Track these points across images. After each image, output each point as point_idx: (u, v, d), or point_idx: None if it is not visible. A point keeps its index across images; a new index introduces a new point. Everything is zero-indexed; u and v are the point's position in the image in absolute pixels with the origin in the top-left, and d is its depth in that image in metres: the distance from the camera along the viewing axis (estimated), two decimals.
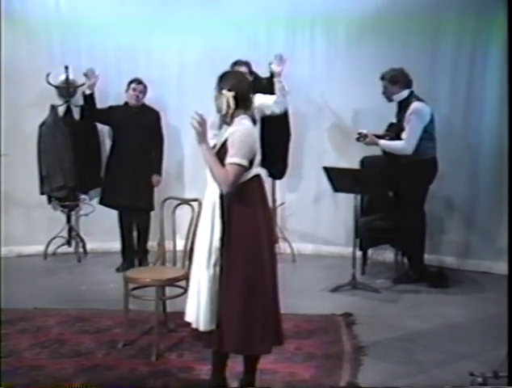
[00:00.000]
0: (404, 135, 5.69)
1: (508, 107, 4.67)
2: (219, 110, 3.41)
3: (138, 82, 6.31)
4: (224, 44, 6.67)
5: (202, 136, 3.32)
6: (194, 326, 3.43)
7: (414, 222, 5.84)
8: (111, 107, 6.44)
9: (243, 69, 5.91)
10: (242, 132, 3.29)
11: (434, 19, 6.32)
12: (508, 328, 3.48)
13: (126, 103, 6.38)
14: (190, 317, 3.47)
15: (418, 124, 5.64)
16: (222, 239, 3.30)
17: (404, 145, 5.68)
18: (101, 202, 6.50)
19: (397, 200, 5.88)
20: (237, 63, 6.09)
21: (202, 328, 3.36)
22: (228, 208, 3.31)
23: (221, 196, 3.32)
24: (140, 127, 6.29)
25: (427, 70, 6.30)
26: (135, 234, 6.56)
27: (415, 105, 5.67)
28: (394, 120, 5.93)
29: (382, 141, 5.79)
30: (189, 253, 3.57)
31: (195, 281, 3.42)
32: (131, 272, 4.68)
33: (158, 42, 6.93)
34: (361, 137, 5.81)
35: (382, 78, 5.82)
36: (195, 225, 4.05)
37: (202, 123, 3.31)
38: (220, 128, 3.49)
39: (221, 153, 3.32)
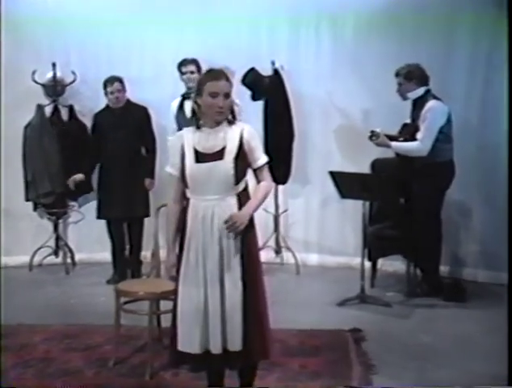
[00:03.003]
0: (418, 135, 5.55)
1: None
2: (224, 111, 3.34)
3: (112, 82, 6.13)
4: (224, 41, 6.60)
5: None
6: (215, 351, 3.30)
7: (429, 231, 5.68)
8: (96, 116, 6.32)
9: (192, 68, 5.92)
10: (254, 132, 3.43)
11: (448, 13, 6.18)
12: None
13: (108, 106, 6.25)
14: (214, 345, 3.30)
15: (434, 123, 5.49)
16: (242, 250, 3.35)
17: (418, 145, 5.54)
18: (98, 217, 6.36)
19: (410, 207, 5.72)
20: (183, 62, 6.03)
21: (237, 348, 3.30)
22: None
23: (239, 201, 3.35)
24: (127, 128, 6.17)
25: (440, 68, 6.12)
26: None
27: (431, 103, 5.53)
28: (405, 121, 5.80)
29: (394, 143, 5.65)
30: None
31: (214, 302, 3.29)
32: (123, 284, 4.58)
33: (152, 39, 6.85)
34: (373, 136, 5.68)
35: (397, 75, 5.70)
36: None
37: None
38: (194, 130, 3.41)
39: (242, 155, 3.33)
